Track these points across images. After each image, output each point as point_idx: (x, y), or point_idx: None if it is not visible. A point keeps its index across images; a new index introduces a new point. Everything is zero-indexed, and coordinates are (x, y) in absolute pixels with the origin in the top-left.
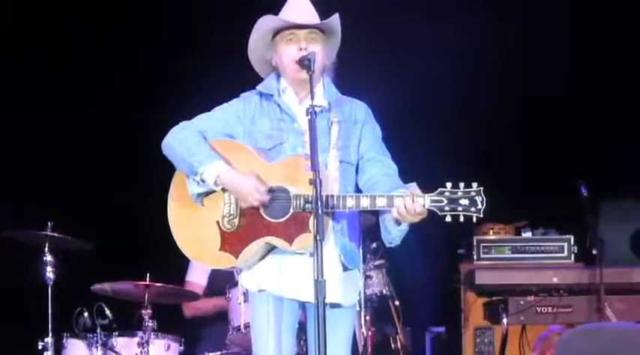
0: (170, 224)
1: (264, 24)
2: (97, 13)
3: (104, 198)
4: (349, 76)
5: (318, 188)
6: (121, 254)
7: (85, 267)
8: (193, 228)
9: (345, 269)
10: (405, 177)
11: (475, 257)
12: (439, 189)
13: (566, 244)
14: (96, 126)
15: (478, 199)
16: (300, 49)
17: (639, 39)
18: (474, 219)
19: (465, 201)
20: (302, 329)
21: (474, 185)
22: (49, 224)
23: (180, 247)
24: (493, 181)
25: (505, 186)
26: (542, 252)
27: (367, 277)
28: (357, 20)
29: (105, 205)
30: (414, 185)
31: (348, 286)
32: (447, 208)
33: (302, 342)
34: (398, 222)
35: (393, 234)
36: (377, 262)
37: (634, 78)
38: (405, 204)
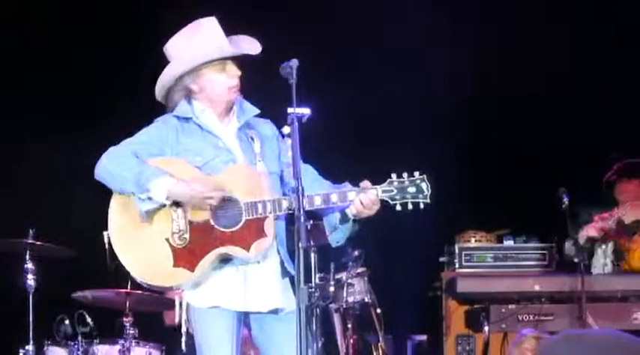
0: (118, 254)
1: (204, 53)
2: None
3: (86, 205)
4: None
5: (301, 196)
6: (102, 261)
7: (66, 275)
8: (142, 250)
9: (287, 274)
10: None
11: (457, 265)
12: (388, 180)
13: (547, 252)
14: (82, 128)
15: (424, 186)
16: (233, 77)
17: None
18: (422, 205)
19: (412, 189)
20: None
21: (416, 173)
22: (30, 231)
23: (133, 274)
24: (475, 189)
25: (487, 194)
26: (524, 260)
27: (349, 285)
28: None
29: (87, 211)
30: (347, 184)
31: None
32: (397, 197)
33: None
34: (345, 220)
35: (340, 234)
36: (359, 270)
37: (617, 85)
38: (361, 198)
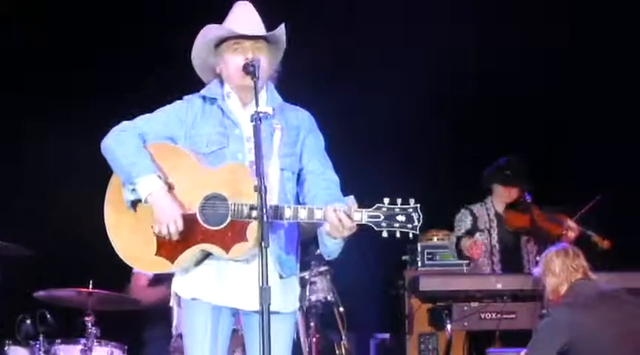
0: (107, 227)
1: (210, 33)
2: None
3: (45, 203)
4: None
5: (263, 195)
6: (63, 260)
7: (27, 274)
8: (129, 232)
9: (281, 277)
10: (361, 187)
11: (419, 263)
12: (376, 205)
13: None
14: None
15: (415, 216)
16: (246, 59)
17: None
18: (410, 235)
19: (401, 217)
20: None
21: (412, 201)
22: None
23: (116, 251)
24: (438, 188)
25: (451, 192)
26: None
27: (311, 283)
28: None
29: (46, 210)
30: (351, 198)
31: (286, 293)
32: (383, 224)
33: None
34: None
35: (329, 248)
36: (321, 268)
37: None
38: (340, 218)
